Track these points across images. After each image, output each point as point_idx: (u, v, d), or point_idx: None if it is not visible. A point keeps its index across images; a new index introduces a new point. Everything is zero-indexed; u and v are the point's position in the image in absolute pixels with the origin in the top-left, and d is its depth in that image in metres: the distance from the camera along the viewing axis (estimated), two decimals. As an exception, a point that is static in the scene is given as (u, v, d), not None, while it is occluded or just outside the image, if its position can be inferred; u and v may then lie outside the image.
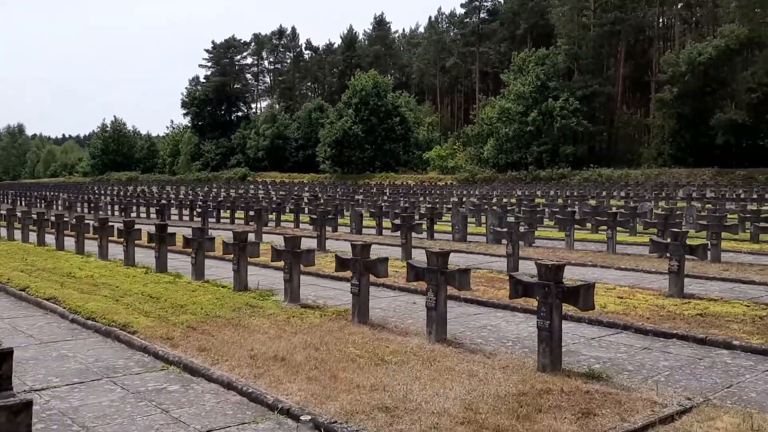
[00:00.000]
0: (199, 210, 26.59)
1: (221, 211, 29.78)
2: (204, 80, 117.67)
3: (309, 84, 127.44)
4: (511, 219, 20.18)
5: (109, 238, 15.88)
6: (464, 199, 33.78)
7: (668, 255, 10.63)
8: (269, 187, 62.71)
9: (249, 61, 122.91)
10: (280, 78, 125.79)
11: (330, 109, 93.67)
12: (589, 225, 19.17)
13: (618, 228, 16.78)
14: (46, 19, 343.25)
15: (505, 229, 12.77)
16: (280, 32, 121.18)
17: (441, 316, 7.90)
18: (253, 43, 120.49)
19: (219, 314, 9.23)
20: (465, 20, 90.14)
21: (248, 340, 7.77)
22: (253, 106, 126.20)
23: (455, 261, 10.85)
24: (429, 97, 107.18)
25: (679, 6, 72.47)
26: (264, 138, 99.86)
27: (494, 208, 20.19)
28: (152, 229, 14.22)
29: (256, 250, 11.48)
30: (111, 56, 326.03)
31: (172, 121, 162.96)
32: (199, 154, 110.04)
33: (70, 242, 17.55)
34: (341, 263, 9.26)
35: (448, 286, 7.85)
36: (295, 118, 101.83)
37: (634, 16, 68.13)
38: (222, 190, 57.58)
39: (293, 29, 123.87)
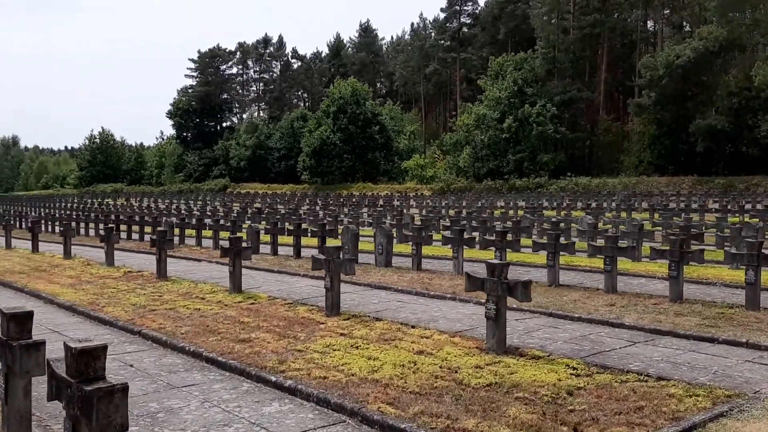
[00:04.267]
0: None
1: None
2: (189, 90, 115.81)
3: (297, 93, 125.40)
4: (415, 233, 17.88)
5: None
6: (405, 212, 31.35)
7: (486, 294, 8.19)
8: (226, 198, 60.54)
9: (235, 70, 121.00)
10: (268, 87, 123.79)
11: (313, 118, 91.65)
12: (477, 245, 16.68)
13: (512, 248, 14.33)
14: (46, 29, 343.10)
15: (322, 257, 10.39)
16: (266, 41, 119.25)
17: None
18: (238, 53, 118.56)
19: None
20: (445, 25, 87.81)
21: None
22: (243, 116, 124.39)
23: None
24: (415, 105, 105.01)
25: (664, 10, 69.94)
26: (246, 148, 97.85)
27: (383, 224, 17.78)
28: None
29: None
30: (106, 66, 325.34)
31: (161, 132, 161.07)
32: (183, 165, 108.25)
33: None
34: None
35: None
36: (277, 128, 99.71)
37: (615, 19, 65.71)
38: (175, 202, 55.29)
39: (280, 38, 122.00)
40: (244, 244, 12.70)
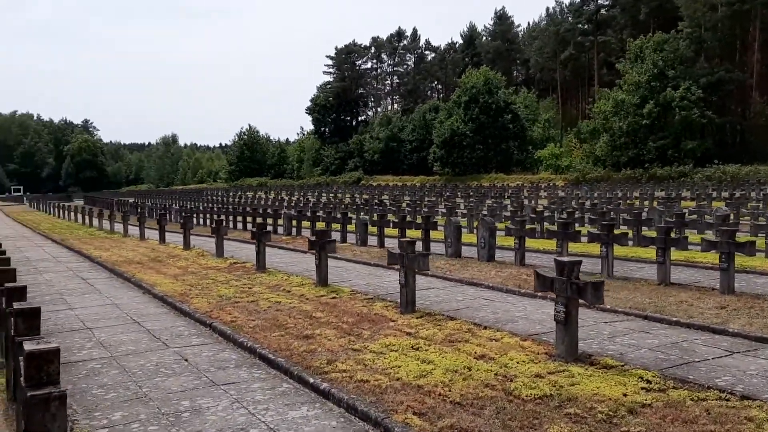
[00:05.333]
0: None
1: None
2: (326, 86, 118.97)
3: (431, 84, 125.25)
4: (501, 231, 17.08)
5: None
6: (530, 203, 30.18)
7: (555, 295, 7.45)
8: (356, 191, 61.37)
9: (369, 65, 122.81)
10: (402, 80, 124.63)
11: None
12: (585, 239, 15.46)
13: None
14: (199, 35, 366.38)
15: (397, 251, 9.97)
16: (399, 34, 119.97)
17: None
18: (372, 47, 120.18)
19: None
20: (582, 8, 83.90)
21: None
22: (377, 110, 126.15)
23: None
24: (552, 92, 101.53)
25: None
26: (379, 141, 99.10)
27: (484, 216, 16.98)
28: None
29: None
30: (254, 66, 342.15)
31: (302, 128, 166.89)
32: (320, 159, 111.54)
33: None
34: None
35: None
36: (410, 120, 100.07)
37: (770, -8, 59.78)
38: (308, 195, 56.84)
39: (414, 30, 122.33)
40: (331, 236, 12.52)
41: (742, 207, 24.90)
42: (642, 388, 6.25)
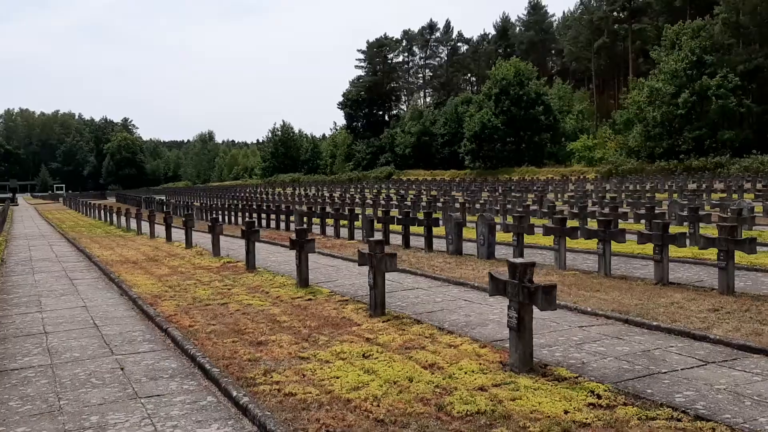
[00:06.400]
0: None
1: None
2: (358, 80, 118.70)
3: (464, 77, 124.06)
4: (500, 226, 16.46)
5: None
6: (552, 198, 29.36)
7: (508, 299, 6.89)
8: (383, 186, 60.87)
9: (401, 58, 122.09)
10: (435, 73, 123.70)
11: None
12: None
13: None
14: (234, 33, 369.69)
15: (366, 251, 9.48)
16: (431, 26, 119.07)
17: None
18: (404, 40, 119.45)
19: None
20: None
21: None
22: (411, 104, 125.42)
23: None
24: (588, 83, 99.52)
25: None
26: (411, 135, 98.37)
27: (485, 213, 16.34)
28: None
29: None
30: (288, 63, 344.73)
31: (335, 123, 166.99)
32: (352, 154, 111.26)
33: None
34: None
35: None
36: (442, 114, 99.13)
37: (812, -28, 57.36)
38: (338, 190, 56.63)
39: (447, 22, 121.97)
40: (309, 236, 12.10)
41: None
42: (589, 404, 5.68)
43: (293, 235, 12.10)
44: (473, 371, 6.66)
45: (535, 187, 44.30)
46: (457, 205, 26.88)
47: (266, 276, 13.47)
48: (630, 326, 8.54)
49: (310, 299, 10.87)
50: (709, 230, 16.56)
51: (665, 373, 6.55)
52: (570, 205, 24.87)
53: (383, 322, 9.02)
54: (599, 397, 5.84)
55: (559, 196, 37.30)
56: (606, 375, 6.49)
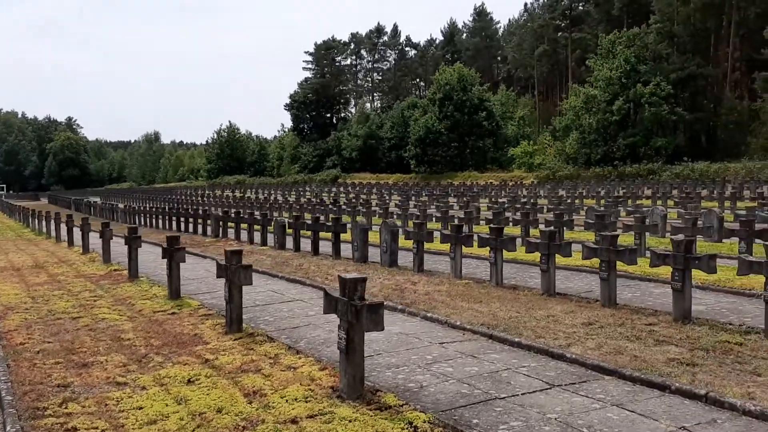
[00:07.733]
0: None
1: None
2: (305, 82, 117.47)
3: (412, 81, 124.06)
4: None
5: None
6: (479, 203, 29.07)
7: (339, 318, 6.29)
8: (325, 189, 60.14)
9: (349, 61, 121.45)
10: (383, 77, 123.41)
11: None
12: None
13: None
14: (181, 32, 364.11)
15: (223, 263, 8.79)
16: (379, 30, 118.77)
17: None
18: (352, 43, 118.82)
19: None
20: (557, 3, 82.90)
21: None
22: (358, 107, 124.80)
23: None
24: (531, 90, 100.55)
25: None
26: (357, 139, 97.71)
27: (388, 220, 15.84)
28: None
29: None
30: (235, 64, 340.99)
31: (282, 125, 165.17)
32: (298, 157, 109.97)
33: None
34: None
35: None
36: (389, 117, 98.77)
37: (743, -14, 58.82)
38: (280, 193, 55.65)
39: (395, 26, 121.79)
40: (179, 245, 11.31)
41: (692, 206, 23.92)
42: (400, 439, 5.12)
43: (165, 243, 11.31)
44: (296, 399, 6.03)
45: (470, 192, 44.17)
46: (380, 210, 26.37)
47: (144, 286, 12.64)
48: (493, 342, 8.07)
49: (173, 313, 10.12)
50: (624, 238, 16.33)
51: (503, 398, 6.04)
52: (497, 209, 24.59)
53: (234, 340, 8.35)
54: (416, 429, 5.29)
55: (492, 200, 37.13)
56: (438, 402, 5.95)
